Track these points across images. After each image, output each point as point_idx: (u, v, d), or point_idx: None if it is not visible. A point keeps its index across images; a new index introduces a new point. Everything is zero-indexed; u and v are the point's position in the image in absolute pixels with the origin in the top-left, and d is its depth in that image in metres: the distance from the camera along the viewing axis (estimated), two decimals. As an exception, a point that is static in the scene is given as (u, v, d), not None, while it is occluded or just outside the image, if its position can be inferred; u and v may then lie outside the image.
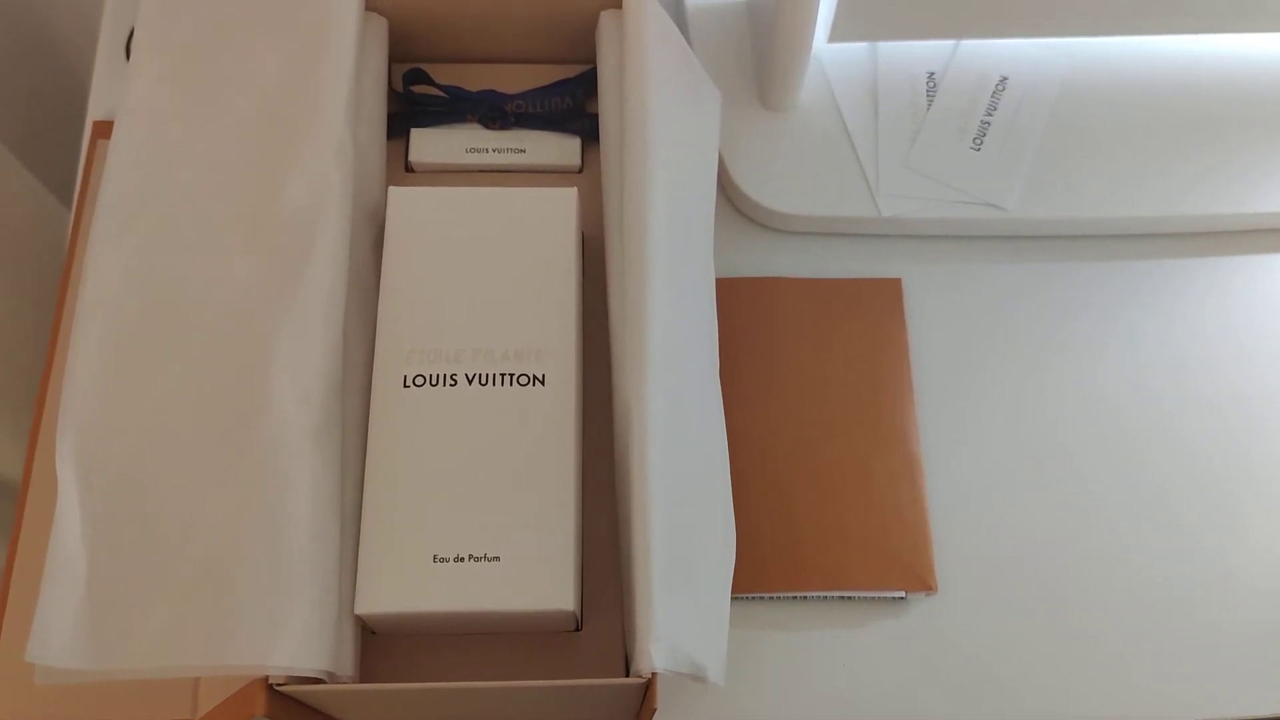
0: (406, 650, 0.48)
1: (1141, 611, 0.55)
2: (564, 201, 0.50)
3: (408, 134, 0.57)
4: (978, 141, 0.63)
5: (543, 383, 0.47)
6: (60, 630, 0.40)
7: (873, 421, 0.57)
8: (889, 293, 0.61)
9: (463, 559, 0.44)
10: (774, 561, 0.54)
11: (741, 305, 0.59)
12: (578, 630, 0.48)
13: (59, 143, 0.75)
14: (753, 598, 0.54)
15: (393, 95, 0.57)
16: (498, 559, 0.44)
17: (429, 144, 0.56)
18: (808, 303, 0.60)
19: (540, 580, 0.44)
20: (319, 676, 0.42)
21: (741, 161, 0.62)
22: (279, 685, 0.41)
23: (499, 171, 0.56)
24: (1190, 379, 0.60)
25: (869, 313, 0.60)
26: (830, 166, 0.62)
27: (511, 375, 0.47)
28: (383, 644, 0.48)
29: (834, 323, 0.59)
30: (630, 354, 0.46)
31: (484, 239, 0.49)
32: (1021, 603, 0.55)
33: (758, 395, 0.57)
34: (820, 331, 0.59)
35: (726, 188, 0.62)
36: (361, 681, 0.47)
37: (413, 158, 0.56)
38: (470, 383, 0.46)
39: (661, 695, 0.51)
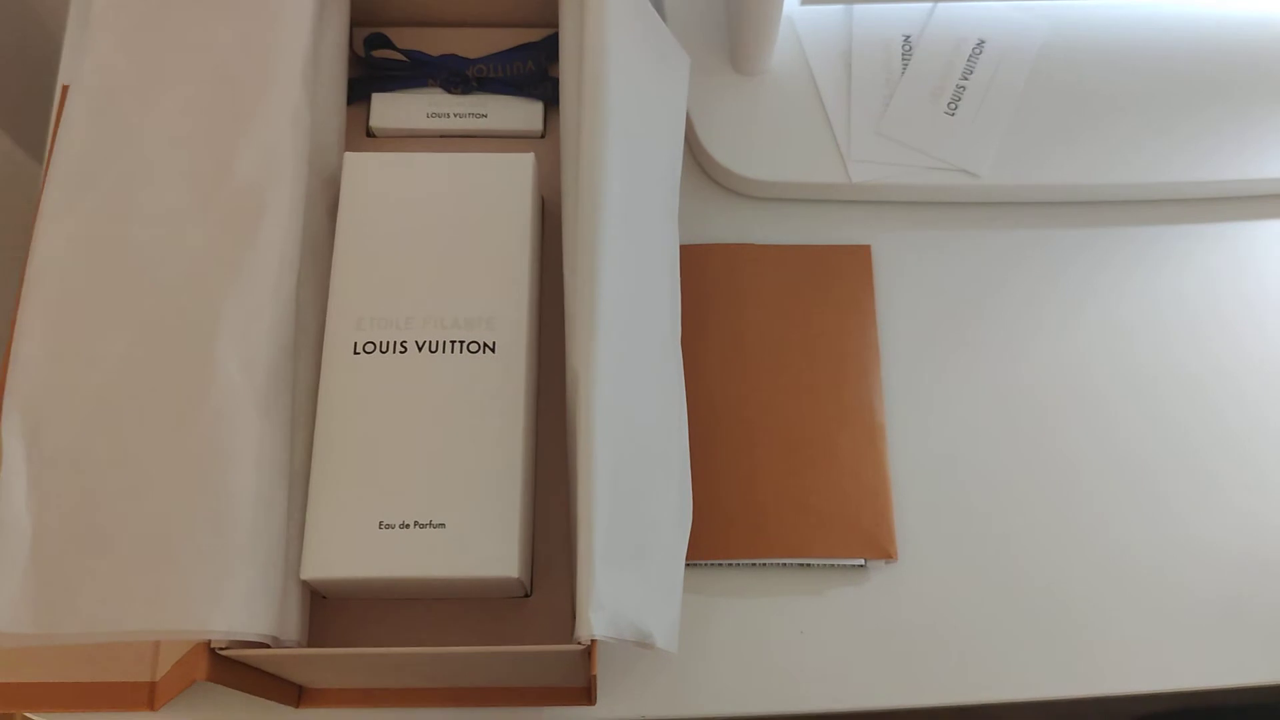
0: (357, 614, 0.48)
1: (1109, 581, 0.54)
2: (520, 167, 0.50)
3: (369, 99, 0.56)
4: (952, 106, 0.62)
5: (493, 350, 0.46)
6: (4, 596, 0.41)
7: (837, 389, 0.57)
8: (858, 259, 0.60)
9: (408, 525, 0.44)
10: (734, 528, 0.54)
11: (708, 272, 0.59)
12: (527, 597, 0.49)
13: (36, 106, 0.75)
14: (712, 564, 0.54)
15: (354, 60, 0.57)
16: (443, 526, 0.44)
17: (390, 109, 0.56)
18: (775, 269, 0.59)
19: (485, 547, 0.44)
20: (263, 641, 0.43)
21: (711, 127, 0.61)
22: (221, 649, 0.42)
23: (461, 137, 0.56)
24: (1166, 349, 0.59)
25: (837, 280, 0.59)
26: (802, 132, 0.61)
27: (461, 342, 0.46)
28: (333, 608, 0.48)
29: (801, 289, 0.59)
30: (579, 321, 0.46)
31: (439, 205, 0.49)
32: (983, 572, 0.54)
33: (723, 362, 0.57)
34: (787, 298, 0.59)
35: (696, 153, 0.62)
36: (310, 645, 0.47)
37: (373, 123, 0.56)
38: (420, 350, 0.46)
39: (619, 662, 0.51)
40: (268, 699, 0.48)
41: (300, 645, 0.45)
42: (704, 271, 0.59)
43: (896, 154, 0.61)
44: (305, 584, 0.45)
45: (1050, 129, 0.62)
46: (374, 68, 0.57)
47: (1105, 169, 0.61)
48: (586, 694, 0.50)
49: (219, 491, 0.42)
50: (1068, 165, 0.61)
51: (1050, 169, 0.61)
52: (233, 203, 0.47)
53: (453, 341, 0.46)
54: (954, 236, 0.61)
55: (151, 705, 0.50)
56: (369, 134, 0.56)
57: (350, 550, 0.44)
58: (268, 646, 0.43)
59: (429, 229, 0.48)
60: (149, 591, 0.41)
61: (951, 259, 0.61)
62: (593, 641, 0.42)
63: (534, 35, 0.57)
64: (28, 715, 0.51)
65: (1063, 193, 0.62)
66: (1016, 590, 0.54)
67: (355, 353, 0.46)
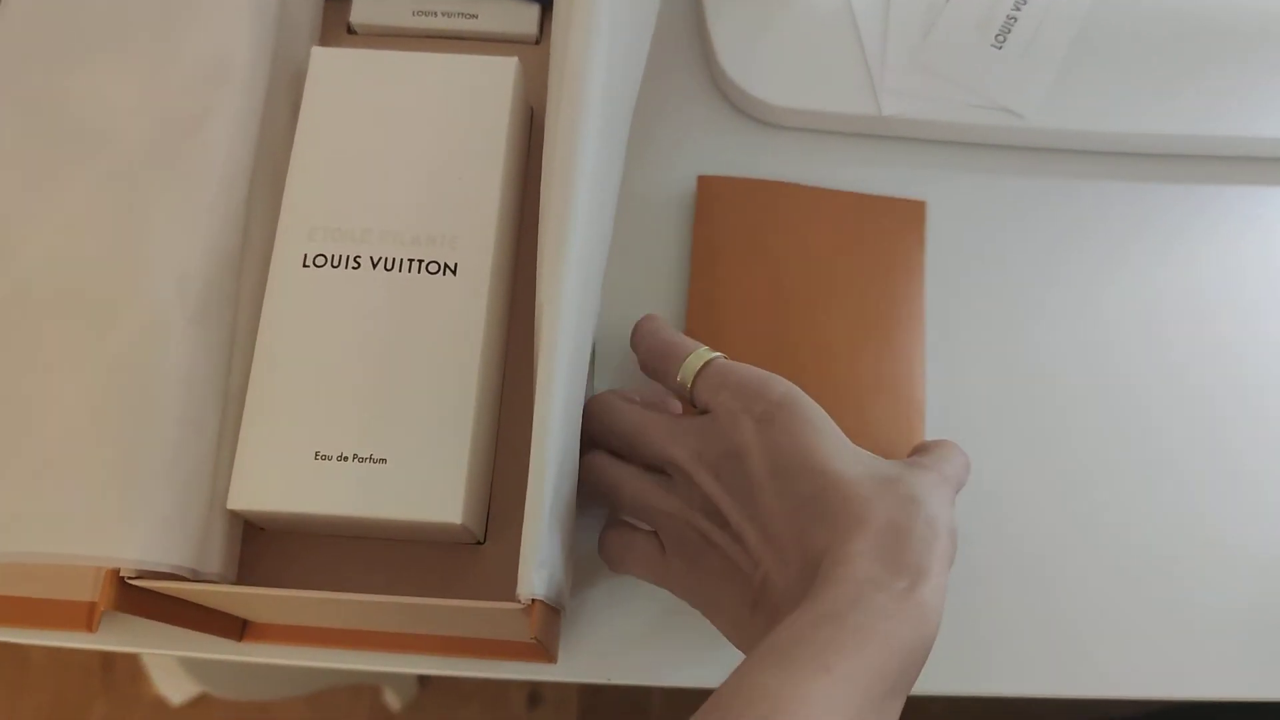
0: (296, 548, 0.45)
1: (1126, 579, 0.49)
2: (502, 71, 0.45)
3: (353, -8, 0.52)
4: (1000, 39, 0.56)
5: (454, 272, 0.42)
6: None
7: (877, 358, 0.51)
8: (909, 216, 0.54)
9: (346, 458, 0.40)
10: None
11: (737, 209, 0.53)
12: (480, 544, 0.45)
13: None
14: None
15: (339, -53, 0.52)
16: (384, 461, 0.40)
17: (373, 4, 0.51)
18: (815, 215, 0.53)
19: (428, 489, 0.40)
20: (179, 573, 0.39)
21: (733, 46, 0.56)
22: (130, 579, 0.38)
23: (448, 38, 0.51)
24: (1220, 318, 0.53)
25: (885, 236, 0.53)
26: (831, 57, 0.56)
27: (420, 261, 0.42)
28: (270, 539, 0.45)
29: (844, 243, 0.53)
30: (548, 249, 0.41)
31: (411, 109, 0.45)
32: (998, 562, 0.49)
33: (747, 314, 0.51)
34: (826, 251, 0.52)
35: (715, 74, 0.57)
36: (241, 578, 0.44)
37: (354, 19, 0.51)
38: (375, 267, 0.42)
39: (585, 621, 0.47)
40: (200, 631, 0.45)
41: (225, 579, 0.42)
42: (733, 208, 0.53)
43: (934, 88, 0.55)
44: (236, 514, 0.42)
45: (1108, 70, 0.55)
46: (360, -43, 0.52)
47: (1166, 117, 0.55)
48: (545, 651, 0.47)
49: (137, 408, 0.39)
50: (1124, 111, 0.55)
51: (1104, 114, 0.55)
52: (179, 92, 0.43)
53: (411, 260, 0.42)
54: (990, 183, 0.56)
55: (89, 625, 0.47)
56: (350, 30, 0.52)
57: (281, 481, 0.40)
58: (185, 579, 0.40)
59: (397, 135, 0.44)
60: (54, 510, 0.38)
61: (986, 207, 0.55)
62: (534, 602, 0.38)
63: (536, -71, 0.52)
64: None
65: (1116, 141, 0.55)
66: (1031, 582, 0.49)
67: (305, 266, 0.42)
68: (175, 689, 1.18)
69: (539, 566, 0.37)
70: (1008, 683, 0.48)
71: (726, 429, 0.40)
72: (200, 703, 1.19)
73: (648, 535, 0.44)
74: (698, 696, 0.44)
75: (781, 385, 0.41)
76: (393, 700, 1.19)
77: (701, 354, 0.43)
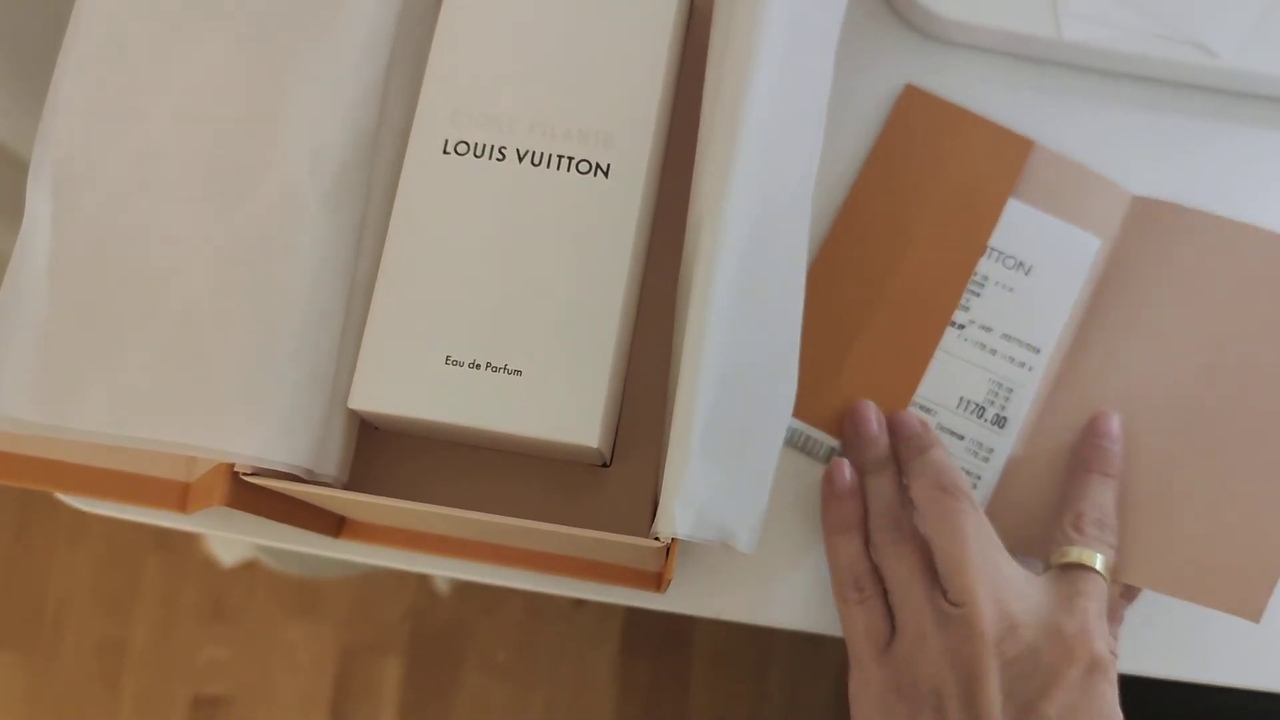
0: (411, 451, 0.42)
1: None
2: (671, -44, 0.41)
3: None
4: (1203, -37, 0.50)
5: (606, 174, 0.39)
6: (10, 374, 0.35)
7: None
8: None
9: (479, 366, 0.37)
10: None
11: (931, 130, 0.50)
12: (605, 466, 0.42)
13: None
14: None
15: None
16: (519, 373, 0.37)
17: None
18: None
19: (564, 407, 0.37)
20: (295, 473, 0.37)
21: (904, -53, 0.51)
22: (246, 475, 0.36)
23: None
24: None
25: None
26: (1012, -31, 0.51)
27: (570, 159, 0.39)
28: (385, 440, 0.42)
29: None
30: (714, 156, 0.37)
31: (570, -11, 0.40)
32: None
33: (898, 236, 0.48)
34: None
35: (880, -23, 0.52)
36: (353, 480, 0.41)
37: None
38: (521, 160, 0.39)
39: (695, 553, 0.45)
40: (301, 528, 0.43)
41: (339, 481, 0.39)
42: (924, 128, 0.50)
43: (1122, 14, 0.50)
44: (354, 413, 0.39)
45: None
46: None
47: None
48: (656, 580, 0.44)
49: (264, 291, 0.36)
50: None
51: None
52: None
53: (560, 156, 0.39)
54: (1172, 125, 0.51)
55: (184, 507, 0.45)
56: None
57: (408, 384, 0.37)
58: (300, 479, 0.37)
59: (554, 17, 0.40)
60: (172, 397, 0.35)
61: (1164, 151, 0.50)
62: (673, 541, 0.35)
63: None
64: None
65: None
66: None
67: (445, 152, 0.39)
68: (227, 550, 1.19)
69: (684, 504, 0.34)
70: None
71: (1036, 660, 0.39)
72: (249, 567, 1.19)
73: (887, 618, 0.43)
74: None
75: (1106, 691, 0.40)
76: (441, 584, 1.19)
77: (1102, 558, 0.42)
